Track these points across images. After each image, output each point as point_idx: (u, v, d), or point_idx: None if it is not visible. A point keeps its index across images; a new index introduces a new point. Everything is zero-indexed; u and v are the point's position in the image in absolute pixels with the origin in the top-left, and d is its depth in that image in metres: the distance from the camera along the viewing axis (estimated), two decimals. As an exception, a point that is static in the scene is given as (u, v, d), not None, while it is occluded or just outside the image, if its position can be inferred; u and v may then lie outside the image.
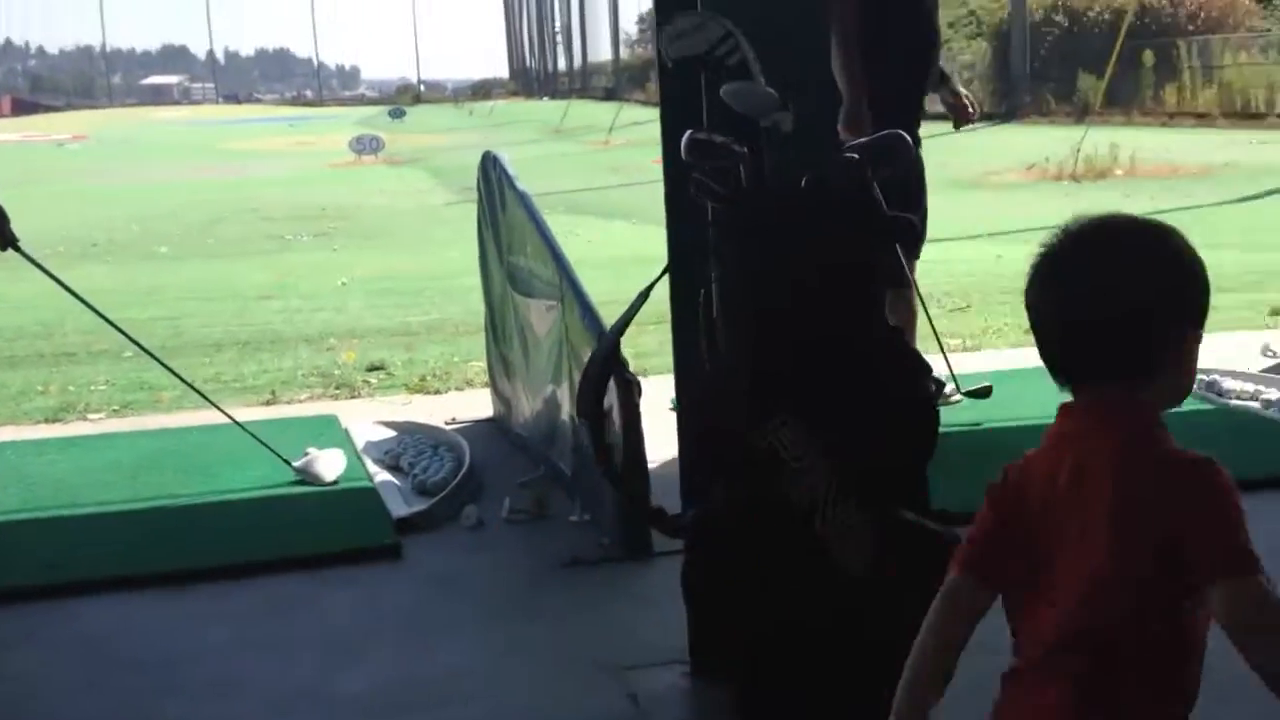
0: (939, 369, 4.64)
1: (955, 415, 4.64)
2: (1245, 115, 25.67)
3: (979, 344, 6.39)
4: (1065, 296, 1.56)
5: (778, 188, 2.48)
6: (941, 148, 24.63)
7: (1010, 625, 1.59)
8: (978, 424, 4.62)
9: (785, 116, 2.56)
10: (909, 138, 2.56)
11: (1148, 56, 28.64)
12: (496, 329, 5.05)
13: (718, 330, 2.55)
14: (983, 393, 4.59)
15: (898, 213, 2.56)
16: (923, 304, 4.98)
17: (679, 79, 2.79)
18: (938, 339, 5.01)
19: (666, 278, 3.01)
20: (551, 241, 4.29)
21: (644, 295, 2.65)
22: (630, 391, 3.65)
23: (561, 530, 3.87)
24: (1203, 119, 26.28)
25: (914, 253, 4.52)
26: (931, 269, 9.68)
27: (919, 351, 2.54)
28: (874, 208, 2.47)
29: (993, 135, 27.72)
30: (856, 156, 2.48)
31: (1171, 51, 29.11)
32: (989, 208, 14.98)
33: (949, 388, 4.65)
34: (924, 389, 2.53)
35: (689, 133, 2.48)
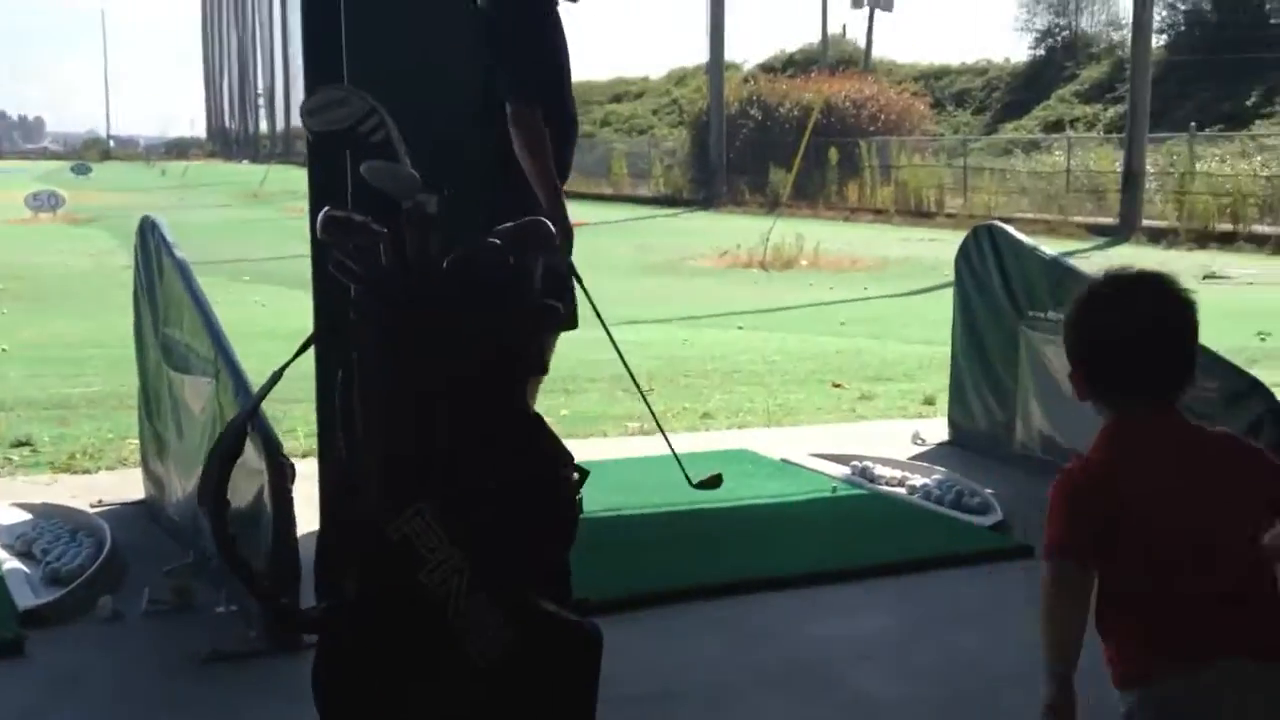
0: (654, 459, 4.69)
1: (605, 500, 4.70)
2: (918, 213, 27.58)
3: (654, 428, 6.48)
4: (1184, 334, 2.10)
5: (419, 270, 2.42)
6: (642, 231, 25.25)
7: (1108, 590, 2.04)
8: (618, 509, 4.66)
9: (430, 198, 2.51)
10: (551, 225, 2.55)
11: (833, 154, 30.44)
12: (150, 405, 4.76)
13: (355, 413, 2.45)
14: (712, 482, 4.63)
15: (545, 299, 2.54)
16: (640, 390, 5.01)
17: (326, 154, 2.71)
18: (659, 426, 5.00)
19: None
20: (208, 314, 4.08)
21: (278, 374, 2.52)
22: (283, 475, 3.49)
23: (206, 622, 3.64)
24: (880, 215, 28.06)
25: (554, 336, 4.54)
26: (623, 352, 9.87)
27: (560, 440, 2.51)
28: (519, 293, 2.45)
29: (690, 221, 28.73)
30: (499, 242, 2.45)
31: (854, 151, 31.03)
32: (682, 293, 15.44)
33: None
34: (564, 479, 2.50)
35: (325, 210, 2.39)
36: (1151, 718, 2.02)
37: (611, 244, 22.15)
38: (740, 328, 11.57)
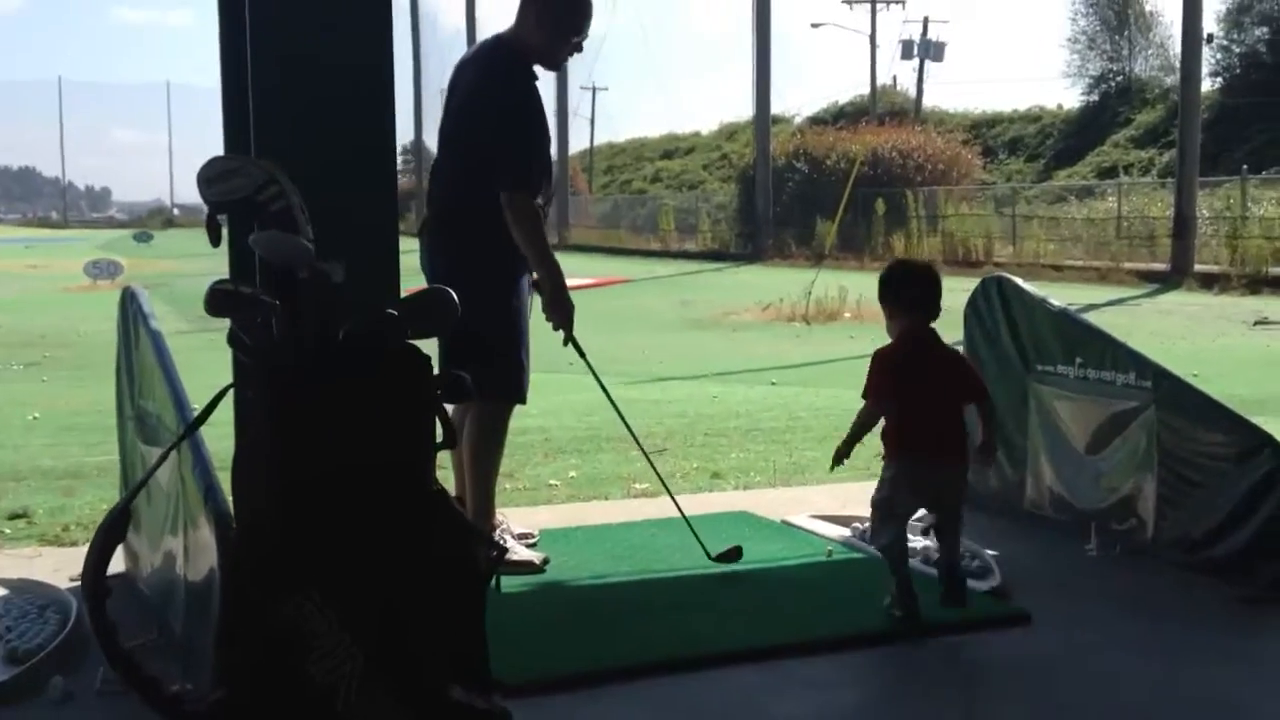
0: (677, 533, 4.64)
1: (589, 567, 4.57)
2: (966, 263, 27.29)
3: (659, 490, 6.33)
4: (938, 290, 4.11)
5: (312, 343, 2.33)
6: (687, 286, 25.14)
7: (890, 422, 4.06)
8: (601, 577, 4.53)
9: (336, 267, 2.42)
10: (454, 294, 2.44)
11: (880, 204, 30.30)
12: (127, 477, 4.71)
13: (247, 487, 2.36)
14: (732, 555, 4.55)
15: (450, 369, 2.44)
16: (642, 450, 4.99)
17: (234, 223, 2.63)
18: (669, 491, 4.94)
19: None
20: (176, 385, 4.02)
21: (180, 439, 2.43)
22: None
23: (159, 702, 3.53)
24: (927, 265, 27.80)
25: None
26: (645, 409, 9.74)
27: (466, 518, 2.39)
28: (413, 364, 2.35)
29: (736, 276, 28.66)
30: (395, 313, 2.36)
31: (900, 201, 30.86)
32: (720, 347, 15.33)
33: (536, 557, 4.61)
34: (470, 557, 2.38)
35: (211, 282, 2.31)
36: (893, 476, 4.05)
37: (656, 300, 22.12)
38: (773, 383, 11.42)
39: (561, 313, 4.49)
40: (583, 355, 4.60)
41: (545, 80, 4.61)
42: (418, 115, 53.96)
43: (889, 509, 4.07)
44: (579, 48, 4.58)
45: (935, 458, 4.02)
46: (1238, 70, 40.04)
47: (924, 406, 4.00)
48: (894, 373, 4.01)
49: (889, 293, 4.14)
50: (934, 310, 4.07)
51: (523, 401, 4.63)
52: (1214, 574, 4.50)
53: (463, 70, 4.63)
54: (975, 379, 4.25)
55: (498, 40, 4.57)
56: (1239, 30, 40.70)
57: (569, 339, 4.54)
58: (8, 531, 5.58)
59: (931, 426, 4.01)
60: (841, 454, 4.06)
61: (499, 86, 4.39)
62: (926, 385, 4.02)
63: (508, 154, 4.36)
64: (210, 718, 2.30)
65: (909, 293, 4.09)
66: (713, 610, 4.16)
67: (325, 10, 2.71)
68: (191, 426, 2.48)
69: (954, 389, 4.09)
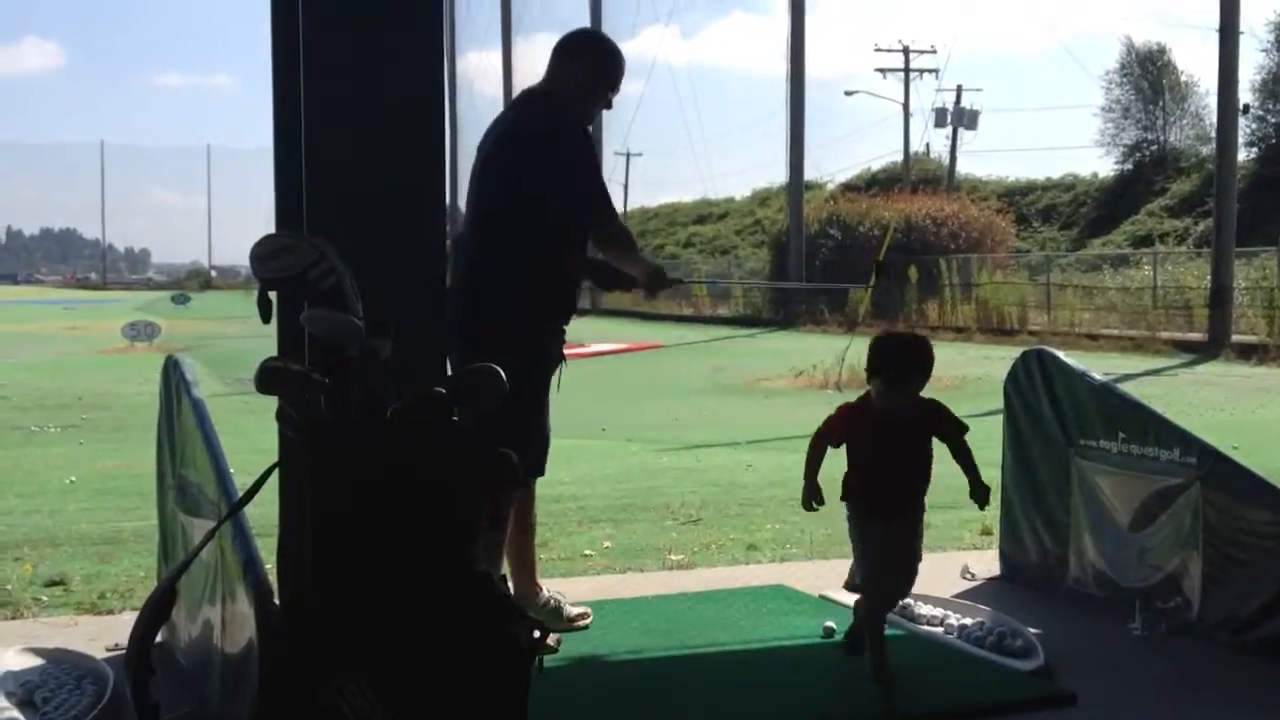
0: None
1: (620, 642, 4.52)
2: (1000, 331, 27.17)
3: (694, 560, 6.29)
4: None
5: (361, 421, 2.33)
6: (719, 352, 25.06)
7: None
8: (636, 652, 4.48)
9: (384, 344, 2.43)
10: (501, 372, 2.44)
11: (912, 271, 30.25)
12: (167, 546, 4.72)
13: (291, 564, 2.35)
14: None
15: (497, 448, 2.43)
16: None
17: (284, 300, 2.65)
18: None
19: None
20: (219, 458, 4.03)
21: (228, 515, 2.44)
22: (271, 626, 3.39)
23: (194, 775, 3.51)
24: (961, 333, 27.70)
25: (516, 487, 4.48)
26: (679, 477, 9.71)
27: (510, 597, 2.37)
28: (461, 443, 2.34)
29: (768, 342, 28.63)
30: (443, 391, 2.36)
31: (934, 268, 30.80)
32: (753, 415, 15.28)
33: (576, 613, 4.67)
34: (512, 637, 2.36)
35: (262, 361, 2.32)
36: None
37: (688, 365, 22.11)
38: (807, 452, 11.35)
39: (658, 287, 4.75)
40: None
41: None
42: (453, 183, 54.55)
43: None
44: (610, 103, 4.67)
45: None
46: (1273, 140, 39.99)
47: (884, 469, 4.23)
48: (846, 424, 4.26)
49: (871, 357, 4.22)
50: (905, 375, 4.19)
51: (541, 473, 4.62)
52: (1261, 654, 4.42)
53: (506, 132, 4.60)
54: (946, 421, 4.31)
55: (538, 94, 4.61)
56: (1274, 100, 40.71)
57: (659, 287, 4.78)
58: (45, 599, 5.57)
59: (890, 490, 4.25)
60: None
61: (568, 138, 4.47)
62: (877, 436, 4.20)
63: (600, 196, 4.52)
64: (251, 799, 2.29)
65: (885, 360, 4.19)
66: (753, 688, 4.11)
67: (382, 88, 2.74)
68: (236, 506, 2.48)
69: (911, 440, 4.23)
